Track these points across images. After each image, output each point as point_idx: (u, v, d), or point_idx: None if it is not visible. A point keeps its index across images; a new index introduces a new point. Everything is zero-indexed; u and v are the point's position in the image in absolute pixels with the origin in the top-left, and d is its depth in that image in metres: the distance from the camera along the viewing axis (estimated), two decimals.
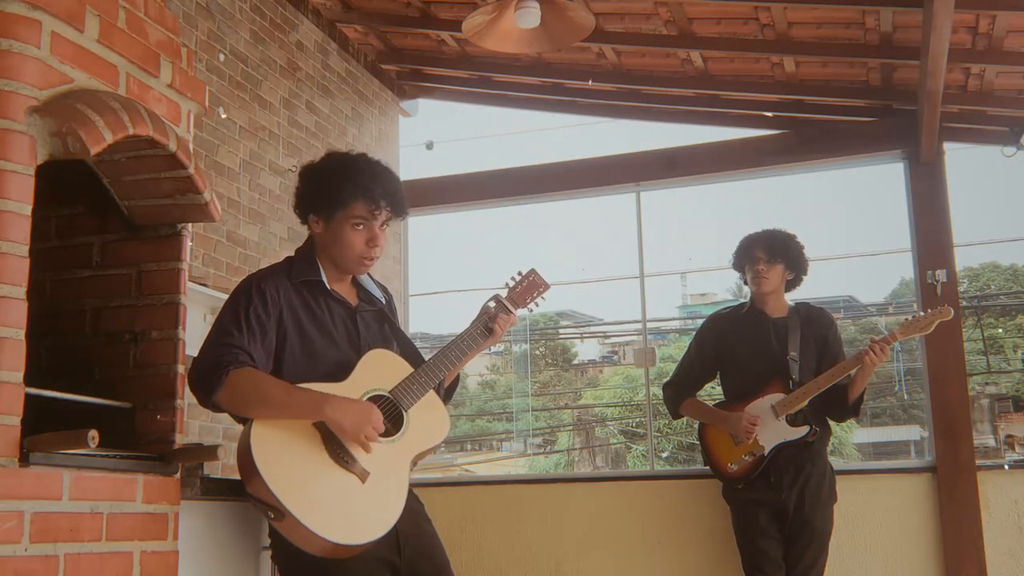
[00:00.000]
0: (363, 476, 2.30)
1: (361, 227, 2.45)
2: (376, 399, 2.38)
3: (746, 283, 4.09)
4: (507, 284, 2.69)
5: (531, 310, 2.72)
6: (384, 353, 2.51)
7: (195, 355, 2.35)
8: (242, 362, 2.28)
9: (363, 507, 2.29)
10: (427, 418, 2.46)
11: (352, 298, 2.58)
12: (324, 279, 2.50)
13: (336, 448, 2.28)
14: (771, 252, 3.97)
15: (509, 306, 2.64)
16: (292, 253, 2.61)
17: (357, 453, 2.30)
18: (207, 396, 2.27)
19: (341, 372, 2.40)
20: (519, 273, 2.70)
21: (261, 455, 2.20)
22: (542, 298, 2.71)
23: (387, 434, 2.36)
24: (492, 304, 2.63)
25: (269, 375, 2.35)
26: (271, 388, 2.29)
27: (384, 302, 2.67)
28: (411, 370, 2.48)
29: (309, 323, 2.45)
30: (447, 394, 2.70)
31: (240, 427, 2.37)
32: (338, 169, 2.48)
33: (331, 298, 2.52)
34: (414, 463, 2.46)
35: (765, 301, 4.03)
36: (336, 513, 2.24)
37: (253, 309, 2.36)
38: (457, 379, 2.80)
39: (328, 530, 2.20)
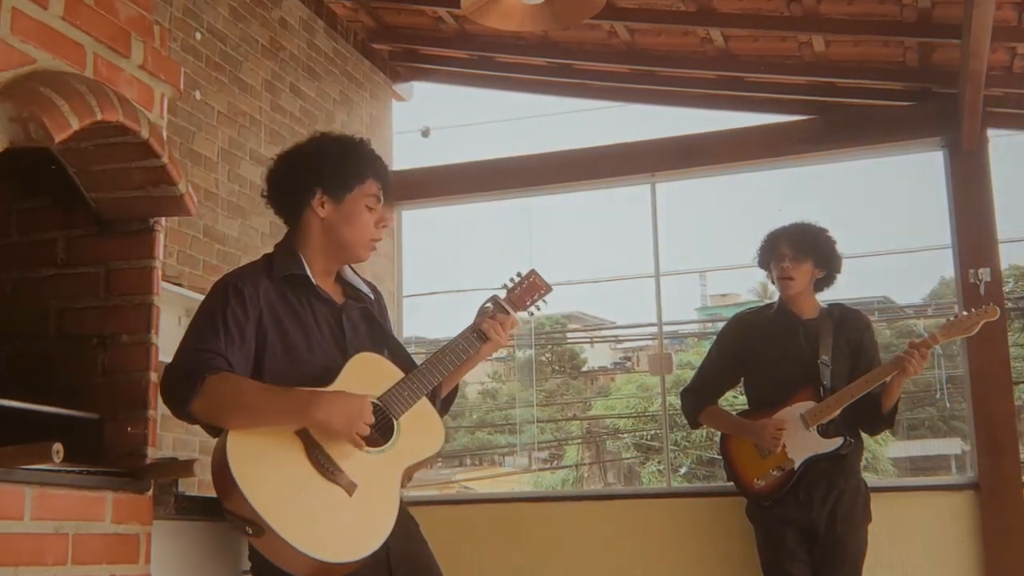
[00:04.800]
0: (350, 488, 2.29)
1: (372, 207, 2.54)
2: None
3: (773, 282, 4.09)
4: (505, 285, 2.71)
5: (531, 314, 2.74)
6: (372, 357, 2.50)
7: (168, 361, 2.34)
8: (219, 368, 2.27)
9: (350, 522, 2.28)
10: (419, 428, 2.45)
11: (337, 296, 2.59)
12: (309, 273, 2.51)
13: (320, 458, 2.27)
14: (797, 248, 3.96)
15: (507, 307, 2.65)
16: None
17: (343, 463, 2.29)
18: (181, 405, 2.27)
19: (326, 376, 2.39)
20: (518, 274, 2.73)
21: (238, 465, 2.19)
22: (543, 301, 2.73)
23: (376, 444, 2.35)
24: (489, 305, 2.65)
25: (249, 379, 2.34)
26: (251, 392, 2.29)
27: (372, 299, 2.67)
28: (401, 375, 2.48)
29: (291, 325, 2.45)
30: (444, 404, 2.70)
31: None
32: (348, 146, 2.58)
33: (315, 296, 2.52)
34: (407, 477, 2.45)
35: (794, 301, 4.03)
36: (321, 528, 2.23)
37: (231, 311, 2.36)
38: (456, 389, 2.79)
39: (313, 547, 2.19)
